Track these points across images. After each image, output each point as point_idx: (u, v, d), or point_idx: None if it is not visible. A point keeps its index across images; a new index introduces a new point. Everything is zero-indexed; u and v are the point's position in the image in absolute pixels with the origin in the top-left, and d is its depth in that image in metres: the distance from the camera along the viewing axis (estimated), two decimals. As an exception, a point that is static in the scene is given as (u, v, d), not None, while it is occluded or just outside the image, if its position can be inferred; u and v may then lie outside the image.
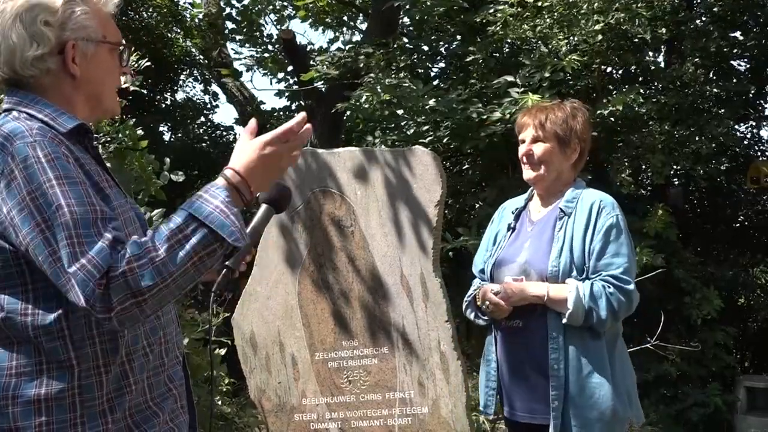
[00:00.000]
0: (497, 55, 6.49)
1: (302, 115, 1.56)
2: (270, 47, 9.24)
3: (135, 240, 1.40)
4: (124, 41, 1.67)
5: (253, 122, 1.57)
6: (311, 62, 7.91)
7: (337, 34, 9.30)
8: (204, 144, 10.34)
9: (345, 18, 9.38)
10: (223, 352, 4.18)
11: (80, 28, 1.56)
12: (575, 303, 2.37)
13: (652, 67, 6.65)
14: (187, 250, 1.39)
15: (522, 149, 2.62)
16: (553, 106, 2.65)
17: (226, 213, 1.42)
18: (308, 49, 9.16)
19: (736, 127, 7.19)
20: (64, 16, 1.54)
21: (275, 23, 9.18)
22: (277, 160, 1.53)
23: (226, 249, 1.43)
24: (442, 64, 7.58)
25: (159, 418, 1.54)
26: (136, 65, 3.60)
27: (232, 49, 9.56)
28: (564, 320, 2.41)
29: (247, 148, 1.52)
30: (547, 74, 5.50)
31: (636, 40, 6.35)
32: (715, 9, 6.81)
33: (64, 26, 1.54)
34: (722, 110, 6.67)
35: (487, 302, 2.52)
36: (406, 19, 7.77)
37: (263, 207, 1.67)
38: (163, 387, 1.58)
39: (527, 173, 2.61)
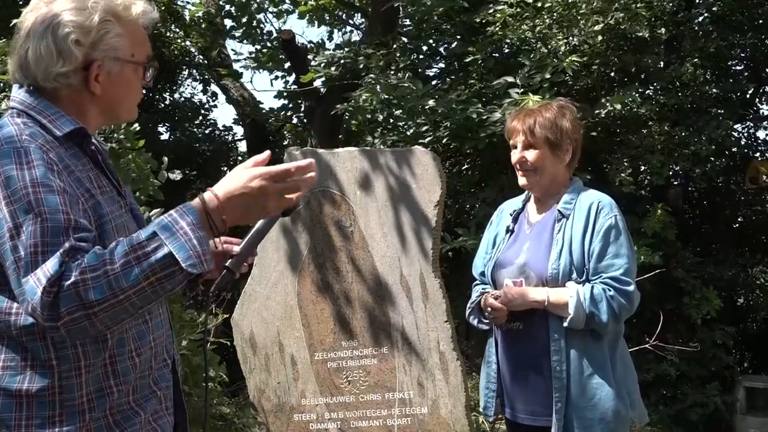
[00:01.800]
0: (497, 55, 6.49)
1: (310, 161, 1.48)
2: (269, 44, 9.23)
3: (95, 250, 1.36)
4: (151, 56, 1.64)
5: (266, 154, 1.49)
6: (311, 61, 7.91)
7: (335, 30, 9.29)
8: (202, 144, 10.34)
9: (343, 16, 9.37)
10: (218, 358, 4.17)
11: (110, 49, 1.54)
12: (576, 308, 2.36)
13: (652, 68, 6.65)
14: (143, 268, 1.34)
15: (515, 156, 2.61)
16: (541, 108, 2.63)
17: (189, 236, 1.36)
18: (308, 48, 9.16)
19: (735, 127, 7.19)
20: (97, 36, 1.52)
21: (273, 17, 9.17)
22: (262, 197, 1.43)
23: (189, 274, 1.36)
24: (441, 65, 7.58)
25: (140, 417, 1.54)
26: None
27: (232, 50, 9.58)
28: (565, 324, 2.40)
29: (237, 175, 1.45)
30: (547, 75, 5.50)
31: (636, 39, 6.36)
32: (714, 9, 6.81)
33: (94, 46, 1.52)
34: (721, 111, 6.67)
35: (489, 309, 2.52)
36: (405, 19, 7.77)
37: None
38: (147, 389, 1.57)
39: (522, 180, 2.61)
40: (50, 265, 1.33)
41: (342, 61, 6.77)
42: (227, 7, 8.80)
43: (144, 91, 1.69)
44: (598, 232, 2.43)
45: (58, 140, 1.49)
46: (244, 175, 1.44)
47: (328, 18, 9.13)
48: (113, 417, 1.50)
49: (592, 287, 2.39)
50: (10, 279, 1.39)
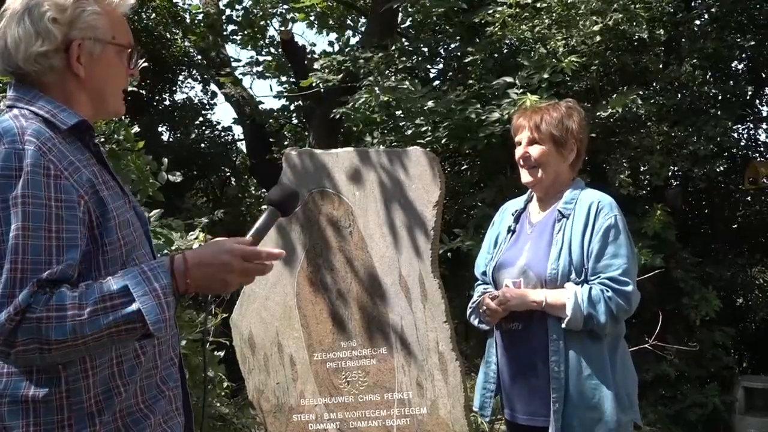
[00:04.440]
0: (496, 55, 6.49)
1: (281, 252, 1.58)
2: (272, 50, 9.23)
3: (64, 290, 1.38)
4: (133, 44, 1.65)
5: (249, 245, 1.55)
6: (311, 64, 7.91)
7: (339, 36, 9.29)
8: (202, 144, 10.34)
9: (348, 21, 9.37)
10: (222, 353, 4.17)
11: (88, 28, 1.54)
12: (574, 309, 2.36)
13: (651, 68, 6.66)
14: (109, 320, 1.37)
15: (518, 152, 2.60)
16: (548, 107, 2.64)
17: (160, 300, 1.40)
18: (308, 50, 9.16)
19: (734, 128, 7.19)
20: (74, 14, 1.53)
21: (278, 26, 9.18)
22: (227, 273, 1.49)
23: (147, 331, 1.41)
24: (440, 65, 7.59)
25: (150, 420, 1.53)
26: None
27: (231, 57, 9.56)
28: (563, 325, 2.40)
29: (212, 246, 1.52)
30: (546, 75, 5.50)
31: (635, 40, 6.36)
32: (713, 10, 6.82)
33: (72, 25, 1.53)
34: (720, 111, 6.68)
35: (484, 307, 2.52)
36: (405, 20, 7.78)
37: (268, 209, 1.65)
38: (155, 389, 1.56)
39: (525, 176, 2.60)
40: (21, 296, 1.34)
41: (342, 66, 6.77)
42: (228, 11, 8.81)
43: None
44: (597, 232, 2.42)
45: (61, 134, 1.49)
46: (218, 245, 1.51)
47: (331, 22, 9.13)
48: (122, 420, 1.49)
49: (590, 288, 2.38)
50: None
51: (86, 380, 1.46)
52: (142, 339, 1.46)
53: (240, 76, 9.10)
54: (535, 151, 2.55)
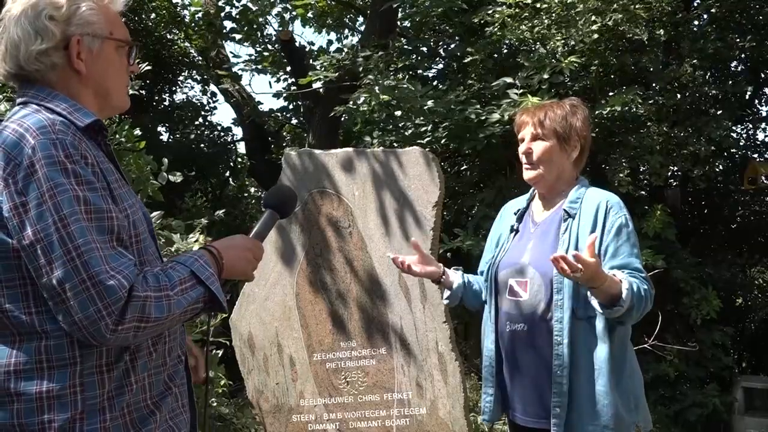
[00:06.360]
0: (496, 56, 6.49)
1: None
2: (269, 47, 9.23)
3: (155, 273, 1.48)
4: (131, 39, 1.67)
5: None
6: (310, 63, 7.90)
7: (337, 35, 9.30)
8: (202, 145, 10.34)
9: (346, 20, 9.37)
10: (220, 352, 4.17)
11: (86, 24, 1.56)
12: (630, 298, 2.23)
13: (650, 69, 6.66)
14: (187, 299, 1.50)
15: (521, 148, 2.57)
16: (552, 104, 2.60)
17: (217, 284, 1.55)
18: (307, 50, 9.16)
19: (734, 128, 7.20)
20: (70, 11, 1.55)
21: (276, 24, 9.18)
22: (250, 255, 1.69)
23: (204, 311, 1.57)
24: (440, 65, 7.59)
25: (156, 416, 1.54)
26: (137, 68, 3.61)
27: (231, 52, 9.58)
28: (600, 310, 2.27)
29: (230, 237, 1.71)
30: (546, 76, 5.50)
31: (634, 40, 6.36)
32: (713, 10, 6.82)
33: (69, 21, 1.54)
34: (720, 111, 6.68)
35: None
36: (404, 20, 7.77)
37: (267, 212, 1.66)
38: (163, 386, 1.58)
39: (527, 173, 2.55)
40: (128, 271, 1.41)
41: (341, 64, 6.77)
42: (227, 8, 8.81)
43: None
44: (609, 231, 2.37)
45: (80, 131, 1.51)
46: (235, 237, 1.71)
47: (330, 21, 9.13)
48: (130, 416, 1.50)
49: (638, 282, 2.27)
50: (52, 272, 1.38)
51: (101, 375, 1.47)
52: (194, 317, 1.60)
53: (240, 72, 9.10)
54: (539, 147, 2.51)
